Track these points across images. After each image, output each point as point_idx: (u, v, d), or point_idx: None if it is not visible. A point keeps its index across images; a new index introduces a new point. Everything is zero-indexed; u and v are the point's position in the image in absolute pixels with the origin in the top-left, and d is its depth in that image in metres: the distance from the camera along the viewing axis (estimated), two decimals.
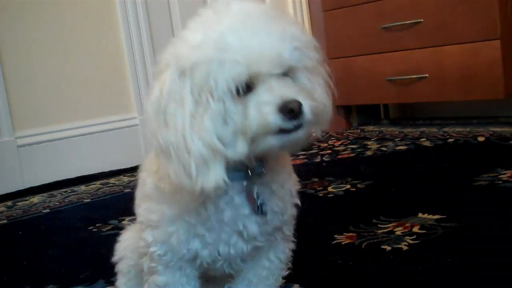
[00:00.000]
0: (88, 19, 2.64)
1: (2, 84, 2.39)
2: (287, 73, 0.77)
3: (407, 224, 1.34)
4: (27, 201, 2.25)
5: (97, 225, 1.74)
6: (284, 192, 0.87)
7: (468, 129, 2.45)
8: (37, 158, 2.48)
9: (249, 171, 0.81)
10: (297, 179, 0.92)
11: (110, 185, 2.38)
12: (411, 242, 1.24)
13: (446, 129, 2.56)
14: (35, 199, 2.28)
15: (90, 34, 2.65)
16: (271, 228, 0.87)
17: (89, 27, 2.65)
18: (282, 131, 0.73)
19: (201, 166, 0.74)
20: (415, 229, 1.31)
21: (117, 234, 1.62)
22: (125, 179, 2.46)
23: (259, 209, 0.82)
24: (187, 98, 0.74)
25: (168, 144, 0.74)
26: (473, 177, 1.64)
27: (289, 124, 0.73)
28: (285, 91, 0.74)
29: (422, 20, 2.50)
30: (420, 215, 1.39)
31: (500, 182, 1.57)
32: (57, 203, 2.16)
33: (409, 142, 2.36)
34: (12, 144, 2.42)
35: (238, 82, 0.73)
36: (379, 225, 1.36)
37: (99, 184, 2.42)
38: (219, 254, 0.84)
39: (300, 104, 0.72)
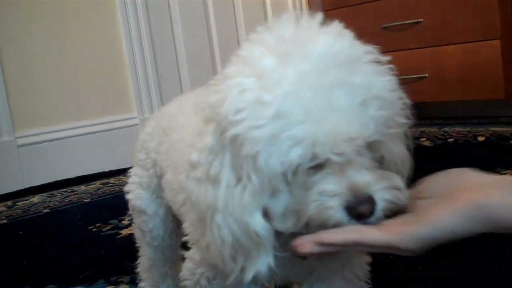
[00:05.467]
0: (88, 19, 2.64)
1: (2, 84, 2.39)
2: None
3: None
4: (27, 201, 2.25)
5: (97, 225, 1.74)
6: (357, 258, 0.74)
7: (468, 129, 2.44)
8: (37, 158, 2.47)
9: None
10: None
11: (110, 185, 2.38)
12: None
13: (446, 128, 2.56)
14: (35, 199, 2.28)
15: (90, 34, 2.65)
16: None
17: (89, 27, 2.65)
18: None
19: (237, 251, 0.60)
20: None
21: (117, 234, 1.63)
22: (125, 179, 2.44)
23: None
24: (226, 168, 0.59)
25: (205, 209, 0.61)
26: None
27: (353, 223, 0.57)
28: (359, 180, 0.57)
29: (422, 20, 2.50)
30: None
31: None
32: (57, 203, 2.16)
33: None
34: (12, 144, 2.42)
35: (296, 167, 0.56)
36: None
37: (99, 184, 2.42)
38: (275, 275, 0.70)
39: (373, 206, 0.57)
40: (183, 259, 0.81)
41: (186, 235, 0.79)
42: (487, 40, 2.31)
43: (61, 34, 2.57)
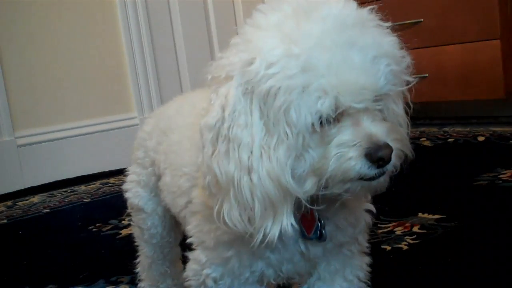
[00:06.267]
0: (88, 19, 2.64)
1: (2, 84, 2.39)
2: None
3: (407, 224, 1.34)
4: (27, 201, 2.25)
5: (97, 225, 1.74)
6: (356, 202, 0.75)
7: (468, 129, 2.44)
8: (37, 158, 2.47)
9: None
10: None
11: (110, 185, 2.38)
12: (411, 241, 1.24)
13: (446, 129, 2.55)
14: (35, 199, 2.28)
15: (90, 34, 2.65)
16: (335, 245, 0.75)
17: (89, 27, 2.65)
18: (362, 177, 0.62)
19: (266, 209, 0.61)
20: (415, 229, 1.30)
21: (117, 234, 1.63)
22: (125, 179, 2.45)
23: (316, 234, 0.70)
24: (256, 125, 0.61)
25: (227, 178, 0.61)
26: (473, 177, 1.64)
27: (373, 172, 0.62)
28: (374, 129, 0.62)
29: (422, 20, 2.50)
30: (420, 215, 1.39)
31: (500, 182, 1.57)
32: (57, 203, 2.16)
33: (409, 142, 2.35)
34: (12, 144, 2.41)
35: (323, 116, 0.60)
36: (379, 225, 1.36)
37: (99, 184, 2.42)
38: (281, 272, 0.74)
39: (391, 151, 0.62)
40: (183, 258, 0.81)
41: (189, 237, 0.79)
42: (487, 40, 2.31)
43: (61, 34, 2.57)
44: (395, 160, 0.63)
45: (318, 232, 0.70)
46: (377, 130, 0.62)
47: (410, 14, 2.54)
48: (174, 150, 0.87)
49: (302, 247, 0.72)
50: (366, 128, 0.62)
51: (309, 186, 0.62)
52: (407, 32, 2.64)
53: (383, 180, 0.64)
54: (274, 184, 0.61)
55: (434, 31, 2.48)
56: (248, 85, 0.61)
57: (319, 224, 0.70)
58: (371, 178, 0.62)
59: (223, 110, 0.62)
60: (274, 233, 0.62)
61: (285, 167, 0.60)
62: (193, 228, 0.77)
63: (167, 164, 0.90)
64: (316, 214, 0.69)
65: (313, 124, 0.60)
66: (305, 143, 0.61)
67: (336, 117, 0.61)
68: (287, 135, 0.60)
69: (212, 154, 0.62)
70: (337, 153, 0.61)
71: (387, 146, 0.61)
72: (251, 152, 0.61)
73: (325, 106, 0.59)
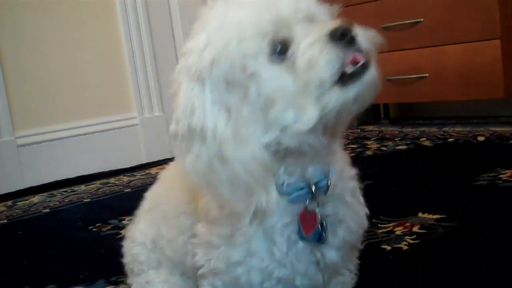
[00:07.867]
0: (88, 19, 2.64)
1: (2, 84, 2.39)
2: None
3: (407, 224, 1.34)
4: (27, 201, 2.25)
5: (97, 225, 1.74)
6: (357, 204, 0.75)
7: (468, 129, 2.44)
8: (37, 158, 2.48)
9: (313, 187, 0.66)
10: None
11: (110, 185, 2.38)
12: (411, 241, 1.24)
13: (446, 128, 2.55)
14: (35, 199, 2.28)
15: (90, 34, 2.65)
16: (348, 247, 0.73)
17: (89, 27, 2.65)
18: (347, 77, 0.58)
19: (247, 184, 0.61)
20: (415, 229, 1.30)
21: (117, 234, 1.63)
22: (125, 179, 2.46)
23: (315, 236, 0.67)
24: (209, 109, 0.61)
25: (205, 178, 0.62)
26: (473, 177, 1.64)
27: (341, 46, 0.58)
28: (324, 27, 0.60)
29: (422, 20, 2.50)
30: (420, 214, 1.39)
31: (500, 181, 1.57)
32: (57, 202, 2.16)
33: (409, 142, 2.36)
34: (12, 144, 2.42)
35: (270, 40, 0.60)
36: (379, 225, 1.36)
37: (99, 184, 2.42)
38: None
39: (351, 26, 0.60)
40: None
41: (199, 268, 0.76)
42: (487, 40, 2.31)
43: (61, 34, 2.57)
44: (367, 40, 0.60)
45: (318, 235, 0.67)
46: (325, 27, 0.60)
47: (410, 14, 2.54)
48: (166, 196, 0.87)
49: (318, 254, 0.69)
50: (317, 28, 0.60)
51: (310, 110, 0.58)
52: (407, 32, 2.65)
53: (373, 73, 0.59)
54: (249, 158, 0.59)
55: (434, 31, 2.48)
56: (196, 74, 0.62)
57: (320, 227, 0.67)
58: (357, 74, 0.58)
59: (183, 111, 0.62)
60: (261, 202, 0.61)
61: (254, 135, 0.59)
62: (202, 257, 0.74)
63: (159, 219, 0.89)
64: (319, 216, 0.67)
65: (262, 53, 0.59)
66: (264, 77, 0.59)
67: (286, 44, 0.60)
68: (244, 112, 0.60)
69: (186, 159, 0.62)
70: (304, 55, 0.58)
71: (344, 24, 0.60)
72: (219, 140, 0.60)
73: (259, 29, 0.60)
